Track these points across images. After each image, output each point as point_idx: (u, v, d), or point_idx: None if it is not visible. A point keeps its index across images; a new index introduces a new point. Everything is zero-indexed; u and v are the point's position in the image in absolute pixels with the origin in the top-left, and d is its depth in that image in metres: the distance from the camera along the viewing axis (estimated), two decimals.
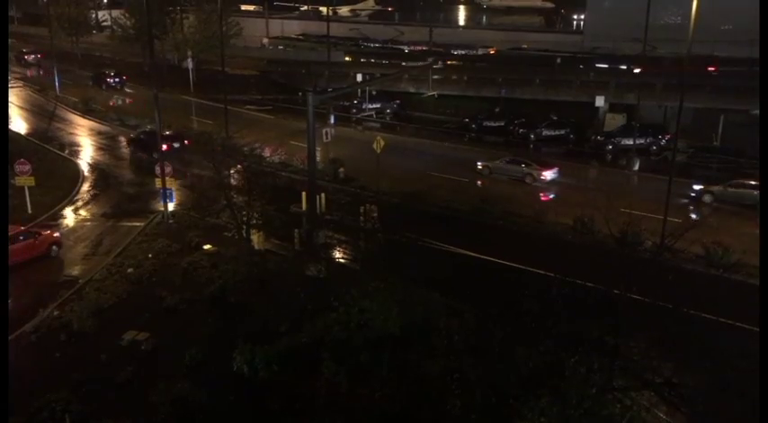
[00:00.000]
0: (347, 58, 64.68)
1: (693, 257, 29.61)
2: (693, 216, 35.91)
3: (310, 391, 19.66)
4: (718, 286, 26.60)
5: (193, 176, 37.86)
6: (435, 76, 54.49)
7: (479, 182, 41.77)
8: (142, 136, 47.11)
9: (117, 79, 71.81)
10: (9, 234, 28.00)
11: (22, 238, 29.35)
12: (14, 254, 27.42)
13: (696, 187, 38.63)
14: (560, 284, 17.99)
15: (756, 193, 35.09)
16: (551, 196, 40.04)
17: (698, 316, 19.56)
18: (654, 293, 18.06)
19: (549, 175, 41.51)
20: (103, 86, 70.12)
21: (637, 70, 52.87)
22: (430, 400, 18.43)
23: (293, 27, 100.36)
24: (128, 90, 70.28)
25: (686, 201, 38.07)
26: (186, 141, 44.88)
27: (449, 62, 67.08)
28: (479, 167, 42.63)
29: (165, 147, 40.75)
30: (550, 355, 16.53)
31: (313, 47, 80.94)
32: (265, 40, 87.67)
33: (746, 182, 37.50)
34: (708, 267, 28.93)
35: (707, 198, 37.94)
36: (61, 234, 32.53)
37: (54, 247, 30.44)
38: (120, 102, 64.91)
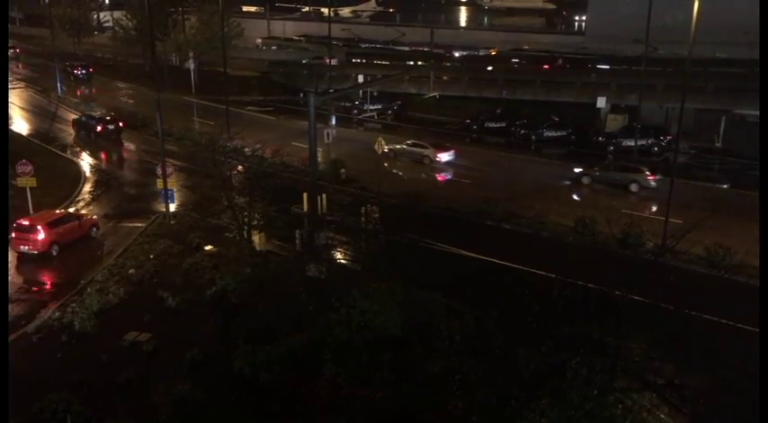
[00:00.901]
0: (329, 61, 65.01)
1: (695, 258, 29.73)
2: (575, 196, 40.12)
3: (311, 392, 19.65)
4: (719, 287, 26.62)
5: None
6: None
7: (386, 164, 43.85)
8: (83, 118, 53.13)
9: (84, 71, 76.25)
10: (58, 217, 31.93)
11: (68, 220, 32.16)
12: (65, 234, 31.04)
13: (576, 170, 41.95)
14: (561, 285, 17.98)
15: (620, 175, 40.32)
16: (446, 175, 43.57)
17: (699, 317, 19.59)
18: (655, 294, 18.07)
19: (444, 157, 44.84)
20: (72, 77, 73.67)
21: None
22: (431, 401, 18.43)
23: (295, 28, 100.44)
24: (101, 80, 74.94)
25: (569, 182, 42.03)
26: (121, 123, 51.84)
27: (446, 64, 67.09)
28: (385, 150, 43.30)
29: (99, 128, 49.84)
30: (552, 356, 16.52)
31: (305, 47, 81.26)
32: (258, 41, 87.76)
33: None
34: (710, 268, 28.92)
35: (585, 180, 41.44)
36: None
37: (94, 229, 33.21)
38: (86, 91, 70.62)
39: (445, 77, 63.02)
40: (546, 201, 37.19)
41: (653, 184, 39.27)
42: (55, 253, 30.64)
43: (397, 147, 46.18)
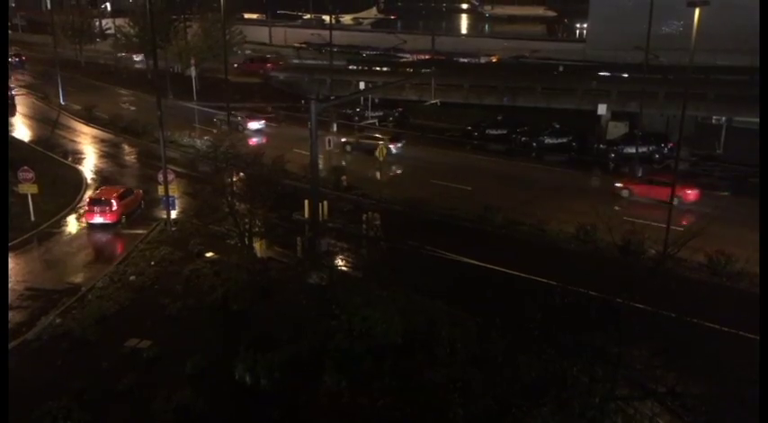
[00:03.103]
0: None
1: (697, 266, 29.68)
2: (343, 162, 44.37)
3: (312, 399, 19.62)
4: (720, 295, 26.59)
5: None
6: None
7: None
8: None
9: (17, 59, 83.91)
10: (122, 191, 36.62)
11: (129, 194, 36.84)
12: (128, 206, 36.10)
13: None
14: (563, 293, 17.95)
15: (374, 142, 45.72)
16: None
17: (701, 324, 19.50)
18: (656, 302, 18.01)
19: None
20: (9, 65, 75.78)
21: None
22: (432, 409, 18.39)
23: (296, 35, 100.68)
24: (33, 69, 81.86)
25: (338, 150, 47.65)
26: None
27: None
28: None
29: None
30: (553, 364, 16.47)
31: (295, 54, 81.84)
32: (249, 52, 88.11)
33: (370, 135, 50.44)
34: (711, 276, 28.89)
35: (348, 147, 48.15)
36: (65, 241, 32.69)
37: (142, 202, 38.00)
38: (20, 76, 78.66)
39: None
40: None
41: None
42: (123, 222, 35.13)
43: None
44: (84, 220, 35.62)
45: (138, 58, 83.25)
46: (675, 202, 35.74)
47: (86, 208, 35.60)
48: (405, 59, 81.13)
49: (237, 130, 52.06)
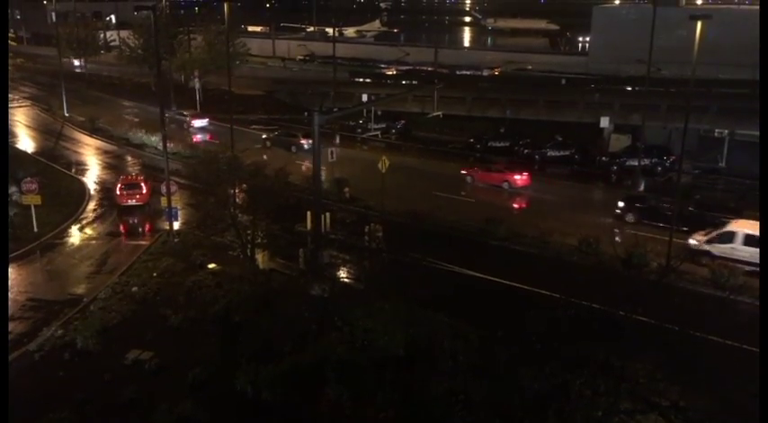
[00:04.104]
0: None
1: (700, 279, 29.64)
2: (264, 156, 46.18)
3: (314, 411, 19.55)
4: (723, 308, 26.48)
5: None
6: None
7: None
8: None
9: None
10: (145, 178, 41.17)
11: (147, 181, 40.69)
12: (149, 191, 39.58)
13: (263, 136, 53.31)
14: (565, 305, 17.92)
15: (290, 139, 53.00)
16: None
17: (704, 338, 19.48)
18: (659, 315, 17.99)
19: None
20: None
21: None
22: (434, 421, 18.30)
23: (299, 48, 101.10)
24: None
25: (259, 146, 52.08)
26: None
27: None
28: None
29: None
30: (556, 376, 16.41)
31: (288, 67, 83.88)
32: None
33: (287, 132, 55.04)
34: (714, 289, 28.82)
35: (268, 143, 52.83)
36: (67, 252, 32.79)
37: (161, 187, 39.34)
38: None
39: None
40: None
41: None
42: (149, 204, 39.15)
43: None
44: (118, 202, 39.43)
45: (77, 62, 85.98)
46: (506, 185, 43.82)
47: (119, 193, 39.42)
48: (389, 73, 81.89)
49: (183, 128, 59.26)
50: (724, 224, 33.10)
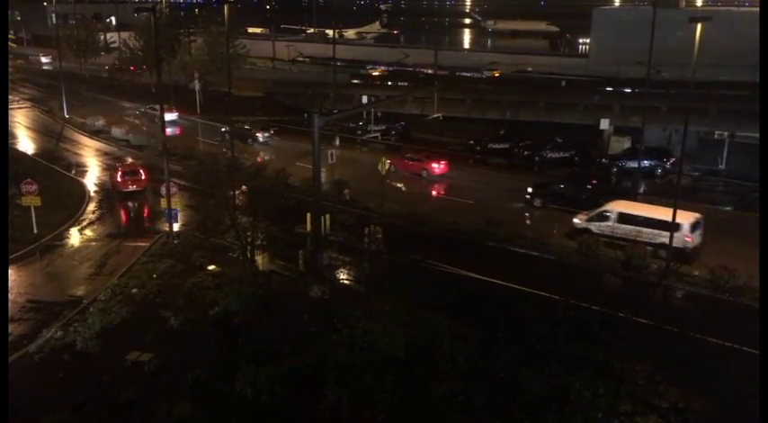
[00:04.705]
0: None
1: (700, 281, 29.64)
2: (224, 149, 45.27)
3: (313, 413, 19.54)
4: (723, 310, 26.51)
5: None
6: None
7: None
8: None
9: None
10: (140, 167, 43.62)
11: (146, 168, 43.46)
12: (146, 180, 42.47)
13: (222, 129, 54.65)
14: (565, 307, 17.90)
15: (245, 132, 55.20)
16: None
17: (704, 339, 19.48)
18: (659, 317, 18.00)
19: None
20: None
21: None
22: None
23: (299, 50, 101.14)
24: None
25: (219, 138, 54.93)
26: None
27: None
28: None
29: None
30: (555, 378, 16.40)
31: (280, 67, 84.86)
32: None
33: (244, 126, 56.74)
34: (714, 291, 28.82)
35: (227, 136, 50.91)
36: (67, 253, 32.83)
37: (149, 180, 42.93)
38: None
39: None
40: None
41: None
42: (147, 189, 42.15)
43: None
44: (119, 188, 42.22)
45: (45, 59, 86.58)
46: (424, 173, 46.75)
47: (120, 179, 42.30)
48: (374, 73, 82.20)
49: (154, 122, 58.84)
50: (602, 204, 35.60)
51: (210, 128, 58.79)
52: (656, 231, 31.69)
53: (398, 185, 44.41)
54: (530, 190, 41.35)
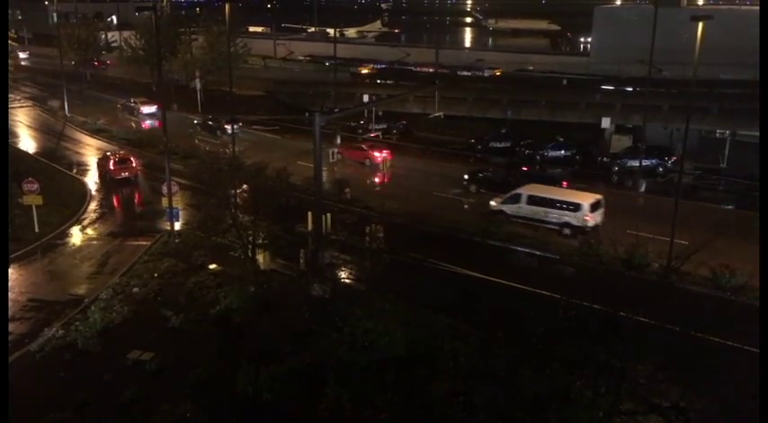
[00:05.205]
0: None
1: (701, 280, 29.61)
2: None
3: (314, 412, 19.54)
4: (724, 308, 26.44)
5: None
6: None
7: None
8: None
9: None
10: (131, 155, 47.02)
11: (136, 157, 47.17)
12: (137, 168, 45.73)
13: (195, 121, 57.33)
14: (566, 306, 17.90)
15: (213, 123, 57.73)
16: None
17: (705, 338, 19.38)
18: (660, 316, 17.95)
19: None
20: None
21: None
22: (434, 422, 18.29)
23: (300, 48, 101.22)
24: None
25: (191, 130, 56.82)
26: None
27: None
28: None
29: None
30: (557, 378, 16.41)
31: (268, 65, 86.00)
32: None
33: (211, 117, 59.39)
34: (715, 290, 28.80)
35: (198, 128, 58.48)
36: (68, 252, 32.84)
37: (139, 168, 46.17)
38: None
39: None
40: None
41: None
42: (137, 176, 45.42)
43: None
44: (112, 175, 44.64)
45: (23, 55, 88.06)
46: (367, 162, 48.49)
47: (112, 167, 44.76)
48: (363, 71, 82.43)
49: (133, 115, 64.20)
50: (515, 188, 38.48)
51: (186, 120, 61.75)
52: (560, 211, 35.40)
53: (347, 173, 46.11)
54: (466, 177, 43.78)
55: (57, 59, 79.30)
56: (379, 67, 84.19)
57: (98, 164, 47.72)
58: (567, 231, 35.19)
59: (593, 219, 35.17)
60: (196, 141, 48.11)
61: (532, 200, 36.58)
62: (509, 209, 37.25)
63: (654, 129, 51.41)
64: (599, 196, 36.55)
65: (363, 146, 51.13)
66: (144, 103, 65.90)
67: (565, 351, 16.86)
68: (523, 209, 36.76)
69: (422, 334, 21.91)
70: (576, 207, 35.15)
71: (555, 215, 35.59)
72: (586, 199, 35.75)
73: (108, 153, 48.08)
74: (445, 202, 40.91)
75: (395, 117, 61.58)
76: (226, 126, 56.37)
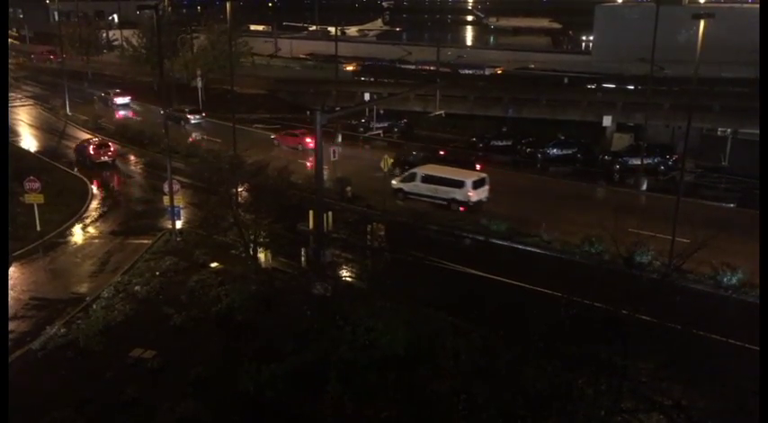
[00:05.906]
0: None
1: (702, 278, 29.60)
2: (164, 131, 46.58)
3: (316, 410, 19.56)
4: (726, 307, 26.42)
5: None
6: None
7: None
8: None
9: None
10: (109, 141, 51.10)
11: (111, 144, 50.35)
12: (115, 152, 49.75)
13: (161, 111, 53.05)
14: (568, 304, 17.89)
15: (180, 114, 60.66)
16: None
17: (707, 337, 19.38)
18: (662, 314, 17.94)
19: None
20: None
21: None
22: (436, 421, 18.31)
23: (302, 47, 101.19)
24: None
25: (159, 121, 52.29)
26: None
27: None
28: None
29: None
30: (558, 376, 16.40)
31: (259, 63, 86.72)
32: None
33: (178, 108, 62.39)
34: (717, 288, 28.78)
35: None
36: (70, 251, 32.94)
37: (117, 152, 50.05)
38: None
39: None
40: None
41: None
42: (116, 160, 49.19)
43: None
44: (92, 160, 47.73)
45: None
46: (300, 147, 51.58)
47: (93, 152, 47.98)
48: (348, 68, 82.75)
49: (107, 105, 68.08)
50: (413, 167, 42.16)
51: (155, 111, 62.46)
52: (448, 188, 38.92)
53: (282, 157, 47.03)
54: (390, 161, 44.86)
55: (118, 65, 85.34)
56: (365, 63, 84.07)
57: (75, 149, 50.35)
58: (454, 206, 38.51)
59: (476, 194, 38.75)
60: (164, 131, 49.86)
61: (425, 178, 39.94)
62: (406, 187, 40.61)
63: (655, 127, 51.35)
64: (483, 174, 40.18)
65: (297, 132, 53.72)
66: (117, 95, 69.96)
67: (566, 349, 16.85)
68: (418, 186, 40.12)
69: (423, 332, 21.90)
70: (460, 184, 38.60)
71: (443, 192, 38.91)
72: (470, 176, 39.38)
73: (86, 139, 51.33)
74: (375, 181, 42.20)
75: (396, 115, 61.54)
76: (189, 116, 61.56)
